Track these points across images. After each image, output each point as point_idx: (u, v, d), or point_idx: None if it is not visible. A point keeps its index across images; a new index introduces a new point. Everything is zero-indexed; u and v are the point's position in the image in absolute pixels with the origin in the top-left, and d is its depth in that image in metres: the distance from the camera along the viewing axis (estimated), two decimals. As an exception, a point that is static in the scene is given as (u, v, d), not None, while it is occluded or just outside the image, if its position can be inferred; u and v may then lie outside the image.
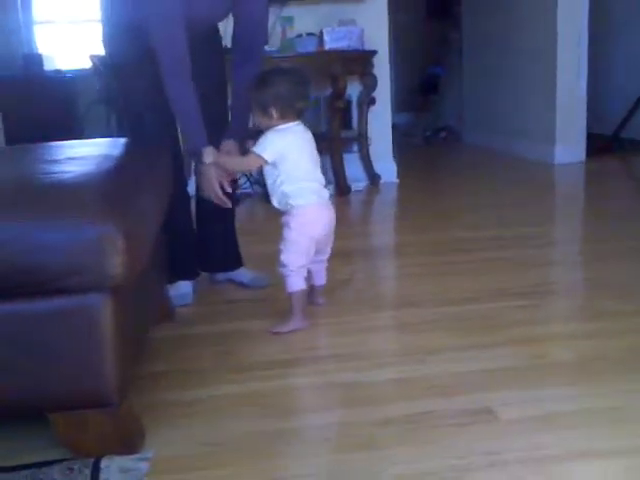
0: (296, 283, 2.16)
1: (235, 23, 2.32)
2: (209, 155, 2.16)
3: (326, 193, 2.19)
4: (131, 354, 1.53)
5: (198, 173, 2.26)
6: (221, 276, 2.63)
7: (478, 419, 1.57)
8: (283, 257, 2.15)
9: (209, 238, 2.55)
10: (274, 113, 2.08)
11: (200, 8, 2.16)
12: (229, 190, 2.23)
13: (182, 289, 2.44)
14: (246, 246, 2.68)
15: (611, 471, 1.36)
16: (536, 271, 2.66)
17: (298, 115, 2.12)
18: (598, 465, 1.38)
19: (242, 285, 2.58)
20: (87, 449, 1.42)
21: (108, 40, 2.31)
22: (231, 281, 2.61)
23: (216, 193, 2.19)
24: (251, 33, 2.32)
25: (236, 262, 2.61)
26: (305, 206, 2.13)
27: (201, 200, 2.42)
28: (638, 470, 1.35)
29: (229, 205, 2.26)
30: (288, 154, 2.09)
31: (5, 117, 4.72)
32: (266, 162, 2.09)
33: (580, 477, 1.35)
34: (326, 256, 2.29)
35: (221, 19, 2.33)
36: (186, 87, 2.10)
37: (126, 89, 2.31)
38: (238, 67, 2.33)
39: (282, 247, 2.15)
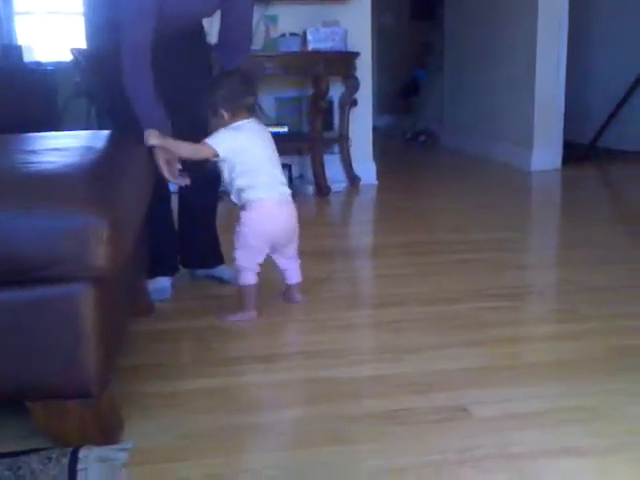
0: (246, 278, 2.22)
1: (222, 19, 2.33)
2: (152, 137, 2.11)
3: (285, 190, 2.21)
4: (112, 345, 1.53)
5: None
6: (201, 272, 2.63)
7: (453, 416, 1.60)
8: (235, 253, 2.21)
9: (190, 234, 2.56)
10: (224, 113, 2.15)
11: (190, 1, 2.19)
12: (179, 167, 2.19)
13: (161, 284, 2.44)
14: (227, 243, 2.69)
15: (582, 469, 1.39)
16: (513, 274, 2.70)
17: (249, 111, 2.18)
18: (569, 463, 1.41)
19: (222, 281, 2.58)
20: (66, 439, 1.43)
21: (91, 36, 2.31)
22: (211, 277, 2.62)
23: (163, 175, 2.15)
24: (238, 29, 2.35)
25: (217, 259, 2.62)
26: (258, 201, 2.16)
27: (183, 196, 2.42)
28: (609, 469, 1.39)
29: (187, 182, 2.22)
30: (241, 150, 2.14)
31: (-17, 108, 4.67)
32: (217, 156, 2.13)
33: (551, 474, 1.38)
34: (291, 254, 2.31)
35: (209, 14, 2.34)
36: (141, 69, 2.09)
37: (108, 85, 2.30)
38: (225, 63, 2.36)
39: (235, 242, 2.21)
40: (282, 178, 2.22)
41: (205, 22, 2.46)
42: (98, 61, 2.33)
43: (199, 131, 2.22)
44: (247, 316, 2.23)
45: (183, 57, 2.30)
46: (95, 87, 4.04)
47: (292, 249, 2.31)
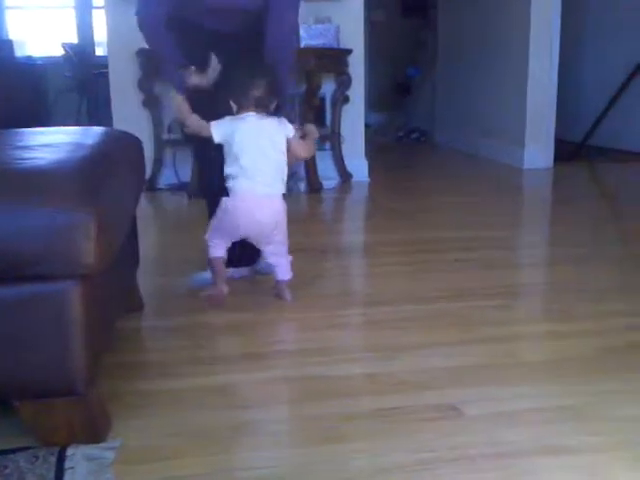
0: (213, 251, 2.29)
1: (264, 21, 2.31)
2: (175, 98, 2.30)
3: (269, 187, 2.21)
4: (100, 343, 1.52)
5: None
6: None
7: (444, 415, 1.59)
8: (208, 230, 2.29)
9: None
10: (233, 105, 2.22)
11: None
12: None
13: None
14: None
15: (572, 467, 1.39)
16: (505, 272, 2.70)
17: (256, 104, 2.20)
18: (559, 461, 1.40)
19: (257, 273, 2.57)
20: (53, 437, 1.41)
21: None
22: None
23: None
24: (277, 33, 2.30)
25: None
26: (237, 191, 2.20)
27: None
28: (599, 467, 1.39)
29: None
30: (231, 139, 2.19)
31: (-27, 102, 4.64)
32: (211, 137, 2.20)
33: (541, 472, 1.38)
34: (276, 251, 2.30)
35: (253, 6, 2.29)
36: (159, 25, 2.23)
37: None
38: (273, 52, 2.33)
39: (211, 221, 2.29)
40: (270, 174, 2.21)
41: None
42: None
43: None
44: (217, 290, 2.28)
45: (245, 57, 2.32)
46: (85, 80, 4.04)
47: (277, 246, 2.30)
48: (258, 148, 2.19)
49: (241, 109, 2.21)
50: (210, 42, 2.33)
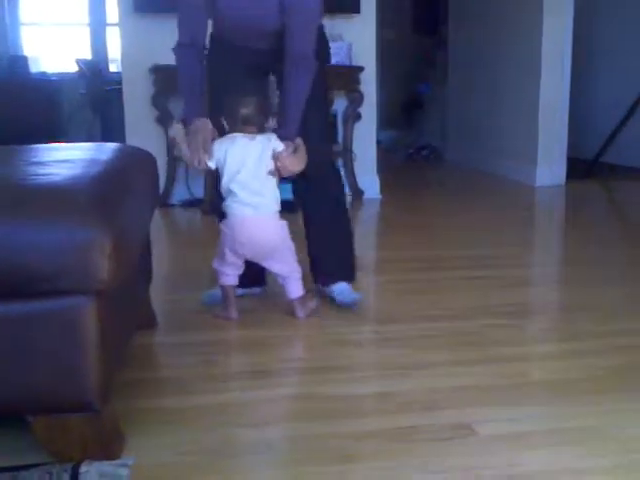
0: (222, 279, 2.32)
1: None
2: (173, 129, 2.31)
3: (260, 208, 2.21)
4: (114, 359, 1.52)
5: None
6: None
7: (456, 435, 1.58)
8: (215, 257, 2.32)
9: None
10: (225, 124, 2.24)
11: (239, 14, 2.24)
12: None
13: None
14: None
15: (587, 490, 1.38)
16: (516, 291, 2.69)
17: (244, 123, 2.20)
18: (574, 483, 1.39)
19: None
20: (67, 453, 1.41)
21: None
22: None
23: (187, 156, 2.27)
24: (290, 40, 2.25)
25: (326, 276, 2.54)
26: (229, 214, 2.23)
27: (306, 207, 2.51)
28: (613, 489, 1.38)
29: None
30: (225, 161, 2.20)
31: (-12, 118, 4.69)
32: (210, 168, 2.23)
33: (556, 495, 1.37)
34: (278, 270, 2.29)
35: (271, 25, 2.26)
36: (186, 57, 2.28)
37: None
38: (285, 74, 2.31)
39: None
40: (260, 194, 2.20)
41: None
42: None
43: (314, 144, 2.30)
44: (227, 314, 2.32)
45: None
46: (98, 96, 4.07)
47: (277, 266, 2.29)
48: (247, 170, 2.19)
49: (230, 128, 2.22)
50: (243, 58, 2.34)
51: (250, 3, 2.21)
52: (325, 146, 2.52)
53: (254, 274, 2.45)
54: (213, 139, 2.23)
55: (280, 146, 2.21)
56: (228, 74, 2.37)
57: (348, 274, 2.54)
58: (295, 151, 2.24)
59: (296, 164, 2.25)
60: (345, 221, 2.55)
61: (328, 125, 2.60)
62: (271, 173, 2.22)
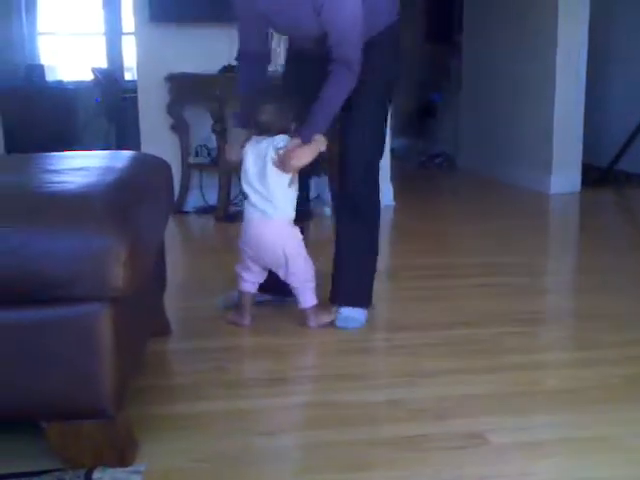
0: (241, 284, 2.33)
1: None
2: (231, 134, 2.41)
3: (267, 212, 2.21)
4: (129, 366, 1.53)
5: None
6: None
7: (469, 443, 1.58)
8: None
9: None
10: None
11: (279, 20, 2.23)
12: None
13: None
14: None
15: (600, 500, 1.37)
16: (530, 299, 2.68)
17: (260, 129, 2.21)
18: (587, 493, 1.39)
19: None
20: (80, 459, 1.42)
21: None
22: None
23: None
24: (328, 46, 2.18)
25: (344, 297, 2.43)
26: (244, 216, 2.29)
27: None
28: (627, 499, 1.37)
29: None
30: (243, 162, 2.25)
31: (5, 126, 4.73)
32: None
33: (569, 504, 1.36)
34: (284, 277, 2.28)
35: (311, 29, 2.18)
36: (241, 64, 2.36)
37: None
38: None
39: None
40: (268, 198, 2.19)
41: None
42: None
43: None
44: (240, 319, 2.32)
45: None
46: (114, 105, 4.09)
47: (290, 274, 2.26)
48: (254, 173, 2.21)
49: (252, 133, 2.26)
50: (304, 62, 2.35)
51: (284, 6, 2.16)
52: (367, 162, 2.36)
53: (274, 282, 2.37)
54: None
55: (281, 142, 2.17)
56: (297, 78, 2.38)
57: (361, 300, 2.40)
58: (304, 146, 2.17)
59: (301, 157, 2.15)
60: (370, 244, 2.42)
61: (377, 141, 2.39)
62: (289, 181, 2.20)
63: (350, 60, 2.15)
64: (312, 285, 2.30)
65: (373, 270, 2.44)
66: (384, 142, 2.43)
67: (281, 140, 2.18)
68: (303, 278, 2.28)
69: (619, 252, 3.44)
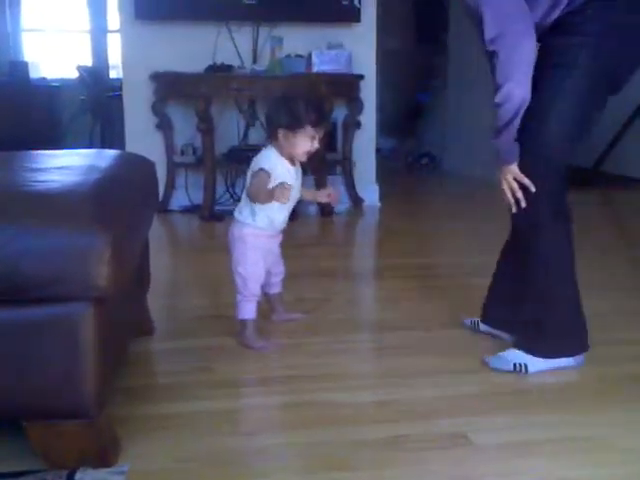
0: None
1: None
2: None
3: (236, 211, 2.19)
4: (111, 366, 1.52)
5: None
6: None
7: (454, 443, 1.58)
8: None
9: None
10: None
11: None
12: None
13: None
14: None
15: (583, 500, 1.37)
16: (514, 299, 2.68)
17: (270, 137, 2.15)
18: (570, 493, 1.39)
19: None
20: (62, 460, 1.41)
21: None
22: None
23: None
24: None
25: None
26: None
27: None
28: (609, 499, 1.37)
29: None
30: None
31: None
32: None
33: (553, 505, 1.37)
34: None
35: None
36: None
37: None
38: None
39: None
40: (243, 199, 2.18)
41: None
42: None
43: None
44: (262, 346, 2.18)
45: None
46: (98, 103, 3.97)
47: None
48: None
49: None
50: None
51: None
52: (538, 194, 2.15)
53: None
54: None
55: (257, 165, 2.12)
56: None
57: (534, 345, 2.00)
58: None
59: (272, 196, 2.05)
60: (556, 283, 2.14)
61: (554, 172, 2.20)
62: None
63: (498, 82, 2.24)
64: (239, 298, 2.18)
65: (562, 310, 2.14)
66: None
67: (257, 164, 2.12)
68: (238, 286, 2.18)
69: (603, 253, 3.46)
